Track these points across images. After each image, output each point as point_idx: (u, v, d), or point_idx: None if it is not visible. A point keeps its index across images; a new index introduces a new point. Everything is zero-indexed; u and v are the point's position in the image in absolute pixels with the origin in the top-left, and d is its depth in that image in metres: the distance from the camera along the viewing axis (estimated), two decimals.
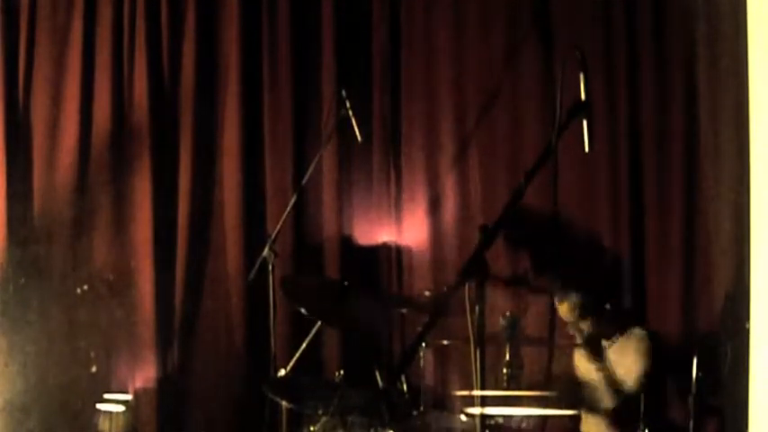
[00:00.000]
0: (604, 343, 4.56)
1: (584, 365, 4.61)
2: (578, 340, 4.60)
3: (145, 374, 5.51)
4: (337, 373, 4.51)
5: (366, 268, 5.41)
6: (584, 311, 4.48)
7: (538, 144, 4.90)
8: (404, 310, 4.84)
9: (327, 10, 5.48)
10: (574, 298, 4.49)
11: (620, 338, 4.52)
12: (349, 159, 5.46)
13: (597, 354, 4.54)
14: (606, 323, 4.52)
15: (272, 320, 4.96)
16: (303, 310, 4.67)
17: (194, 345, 5.56)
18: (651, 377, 4.43)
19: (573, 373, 4.69)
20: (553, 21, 5.12)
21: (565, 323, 4.62)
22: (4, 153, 5.64)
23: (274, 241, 4.98)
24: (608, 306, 4.52)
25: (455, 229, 5.29)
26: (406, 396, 4.51)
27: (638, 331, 4.52)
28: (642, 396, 4.29)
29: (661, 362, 4.46)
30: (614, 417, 4.38)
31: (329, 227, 5.46)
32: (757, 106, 3.17)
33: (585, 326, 4.51)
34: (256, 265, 5.04)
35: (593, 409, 4.55)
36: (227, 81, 5.57)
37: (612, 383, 4.45)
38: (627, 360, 4.47)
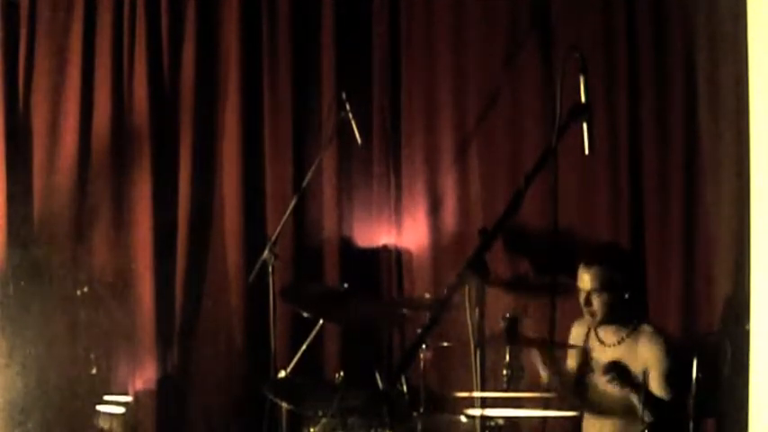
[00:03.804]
0: (612, 340, 4.47)
1: (576, 360, 4.59)
2: (585, 322, 4.53)
3: (145, 376, 5.51)
4: (337, 375, 4.50)
5: (366, 270, 5.41)
6: (605, 284, 4.39)
7: (538, 145, 4.89)
8: (404, 311, 4.83)
9: (327, 11, 5.47)
10: (599, 268, 4.39)
11: (629, 338, 4.44)
12: (349, 162, 5.46)
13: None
14: (617, 311, 4.42)
15: (272, 322, 4.97)
16: (305, 314, 4.68)
17: (194, 346, 5.56)
18: (676, 376, 4.26)
19: (572, 373, 4.67)
20: (553, 22, 5.12)
21: (565, 322, 4.60)
22: (5, 155, 5.63)
23: (274, 243, 4.98)
24: (627, 296, 4.43)
25: (455, 232, 5.29)
26: (406, 397, 4.51)
27: (647, 329, 4.40)
28: (643, 395, 4.22)
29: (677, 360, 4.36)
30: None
31: (329, 229, 5.45)
32: (757, 106, 3.17)
33: (599, 303, 4.43)
34: (256, 267, 5.04)
35: (597, 410, 4.52)
36: (228, 83, 5.56)
37: (628, 383, 4.33)
38: (639, 362, 4.35)
